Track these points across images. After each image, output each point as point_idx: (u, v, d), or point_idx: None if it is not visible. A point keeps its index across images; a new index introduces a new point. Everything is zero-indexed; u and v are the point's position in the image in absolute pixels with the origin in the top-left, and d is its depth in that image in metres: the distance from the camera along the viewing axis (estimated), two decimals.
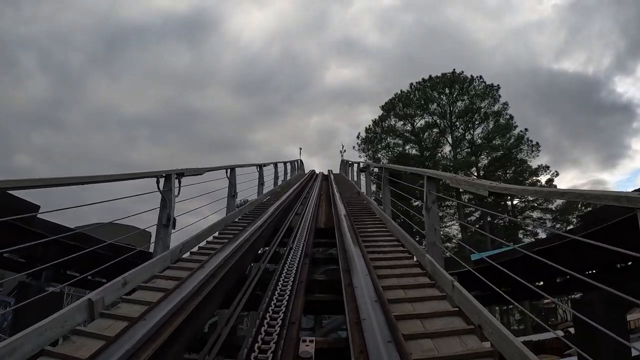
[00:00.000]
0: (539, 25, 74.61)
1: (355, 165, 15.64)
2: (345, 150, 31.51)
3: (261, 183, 10.30)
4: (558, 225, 36.48)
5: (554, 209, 36.24)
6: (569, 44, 72.49)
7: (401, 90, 33.55)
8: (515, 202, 36.23)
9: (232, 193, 7.37)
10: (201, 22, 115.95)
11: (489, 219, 35.35)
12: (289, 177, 17.54)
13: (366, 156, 33.72)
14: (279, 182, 13.84)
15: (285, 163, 16.28)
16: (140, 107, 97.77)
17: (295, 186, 13.45)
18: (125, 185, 4.24)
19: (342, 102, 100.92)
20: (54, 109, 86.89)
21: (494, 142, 33.53)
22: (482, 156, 33.85)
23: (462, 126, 34.11)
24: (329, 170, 23.46)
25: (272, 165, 13.16)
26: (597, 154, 61.01)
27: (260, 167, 10.41)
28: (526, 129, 32.24)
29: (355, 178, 15.45)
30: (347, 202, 8.75)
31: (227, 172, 7.34)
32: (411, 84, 33.02)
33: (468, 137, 33.82)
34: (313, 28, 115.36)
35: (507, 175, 34.64)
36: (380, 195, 7.94)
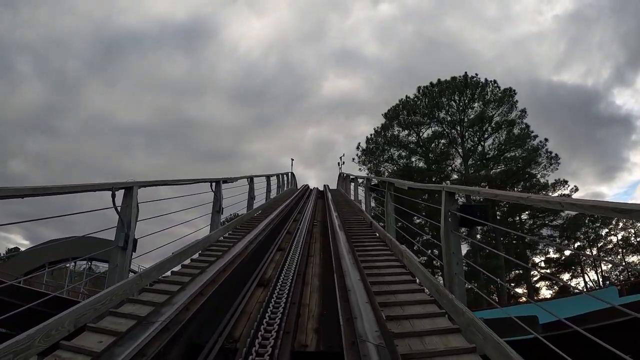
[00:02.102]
0: (539, 37, 72.26)
1: (361, 180, 11.85)
2: (344, 163, 27.88)
3: (217, 210, 6.44)
4: (565, 242, 33.30)
5: (565, 225, 32.95)
6: (569, 56, 70.14)
7: (406, 96, 29.99)
8: (524, 217, 32.76)
9: (120, 242, 3.50)
10: (199, 31, 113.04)
11: (503, 239, 31.75)
12: (274, 195, 13.71)
13: (367, 169, 29.99)
14: (256, 204, 9.99)
15: (268, 177, 12.42)
16: (137, 115, 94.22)
17: (279, 210, 9.62)
18: None
19: (339, 113, 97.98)
20: (49, 115, 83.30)
21: (506, 154, 29.96)
22: (495, 169, 30.20)
23: (471, 136, 30.56)
24: (325, 186, 19.70)
25: (246, 180, 9.33)
26: (595, 167, 58.78)
27: (218, 184, 6.56)
28: (546, 139, 28.68)
29: (360, 197, 11.64)
30: (362, 250, 4.92)
31: (113, 196, 3.48)
32: (419, 87, 29.47)
33: (479, 148, 30.25)
34: (311, 38, 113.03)
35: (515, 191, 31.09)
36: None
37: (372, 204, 11.26)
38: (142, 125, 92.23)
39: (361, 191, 9.89)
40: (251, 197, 9.24)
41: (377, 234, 6.43)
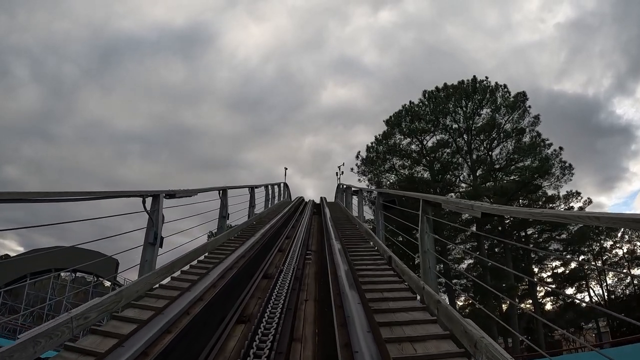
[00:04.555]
0: (540, 45, 71.21)
1: (367, 193, 9.50)
2: (342, 173, 25.59)
3: (151, 242, 4.06)
4: (568, 256, 31.27)
5: (570, 238, 30.83)
6: (570, 64, 69.05)
7: (410, 102, 27.77)
8: (529, 231, 30.55)
9: None
10: (197, 37, 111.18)
11: (513, 254, 29.44)
12: (261, 210, 11.33)
13: (368, 180, 27.65)
14: (231, 225, 7.61)
15: (252, 188, 10.00)
16: (133, 122, 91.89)
17: (262, 232, 7.23)
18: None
19: (337, 122, 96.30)
20: (45, 120, 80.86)
21: (517, 164, 27.74)
22: (505, 180, 27.90)
23: (477, 145, 28.33)
24: (321, 198, 17.33)
25: (217, 193, 6.94)
26: (595, 177, 57.86)
27: (155, 199, 4.19)
28: (561, 148, 26.48)
29: (365, 213, 9.28)
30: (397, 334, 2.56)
31: None
32: (424, 92, 27.25)
33: (488, 158, 28.03)
34: (310, 46, 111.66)
35: (520, 204, 28.88)
36: None
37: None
38: (138, 132, 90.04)
39: (375, 210, 7.39)
40: (222, 216, 6.83)
41: (407, 283, 4.04)
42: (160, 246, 4.22)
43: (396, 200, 6.33)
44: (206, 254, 5.58)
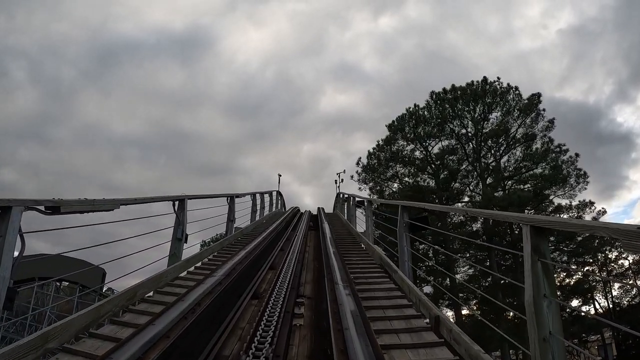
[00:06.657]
0: (542, 52, 70.12)
1: (375, 205, 7.46)
2: (342, 180, 23.63)
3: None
4: (574, 267, 29.51)
5: (573, 248, 28.97)
6: (572, 71, 67.85)
7: (415, 104, 25.82)
8: None
9: None
10: (196, 41, 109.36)
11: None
12: (246, 224, 9.27)
13: (369, 188, 25.61)
14: (214, 239, 5.52)
15: (232, 198, 7.90)
16: (131, 126, 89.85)
17: (238, 259, 5.17)
18: None
19: (336, 129, 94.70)
20: (42, 123, 78.77)
21: (530, 171, 25.79)
22: (516, 188, 25.93)
23: (486, 152, 26.38)
24: (319, 209, 15.28)
25: (172, 205, 4.88)
26: (594, 185, 56.22)
27: (3, 213, 2.16)
28: (577, 154, 24.57)
29: (365, 226, 7.22)
30: None
31: None
32: (432, 93, 25.30)
33: (500, 165, 26.10)
34: (310, 51, 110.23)
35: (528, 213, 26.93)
36: None
37: (379, 240, 6.84)
38: (136, 137, 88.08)
39: (401, 233, 5.20)
40: (177, 238, 4.73)
41: None
42: (9, 309, 2.16)
43: (427, 217, 4.33)
44: (135, 304, 3.52)
